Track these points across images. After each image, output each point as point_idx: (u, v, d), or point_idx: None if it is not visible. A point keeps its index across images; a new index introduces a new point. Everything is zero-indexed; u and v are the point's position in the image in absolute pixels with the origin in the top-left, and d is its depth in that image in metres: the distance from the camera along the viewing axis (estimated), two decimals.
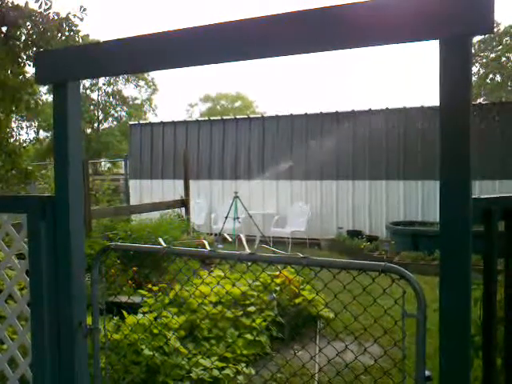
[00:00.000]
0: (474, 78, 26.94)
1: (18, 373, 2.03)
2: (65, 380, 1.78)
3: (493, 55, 26.85)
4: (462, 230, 1.26)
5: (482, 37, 24.45)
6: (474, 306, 1.55)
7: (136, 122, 14.57)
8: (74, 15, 6.62)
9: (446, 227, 1.28)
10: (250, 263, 2.52)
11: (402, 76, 58.69)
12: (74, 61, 1.74)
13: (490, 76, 27.43)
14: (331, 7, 1.34)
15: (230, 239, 9.53)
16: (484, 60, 26.98)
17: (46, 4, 6.41)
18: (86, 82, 31.94)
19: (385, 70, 57.78)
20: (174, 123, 13.33)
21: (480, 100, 22.12)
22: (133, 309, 4.27)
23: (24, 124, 25.06)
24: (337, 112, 11.53)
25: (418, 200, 10.75)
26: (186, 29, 1.52)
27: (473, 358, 1.62)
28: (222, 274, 4.72)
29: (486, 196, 1.49)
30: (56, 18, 6.50)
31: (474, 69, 27.20)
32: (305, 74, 60.27)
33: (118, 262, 5.77)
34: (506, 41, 25.78)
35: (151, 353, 3.42)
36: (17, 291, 2.04)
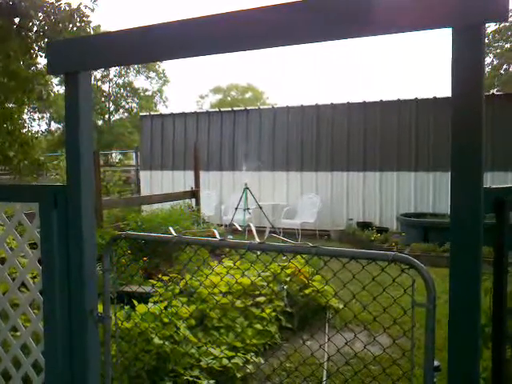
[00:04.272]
0: (487, 69, 26.55)
1: (31, 359, 2.07)
2: (76, 366, 1.81)
3: (507, 45, 26.40)
4: (473, 220, 1.24)
5: (497, 27, 24.05)
6: (485, 297, 1.53)
7: (147, 114, 14.58)
8: (86, 6, 6.65)
9: (457, 217, 1.27)
10: (259, 253, 2.53)
11: (414, 66, 58.04)
12: (85, 51, 1.74)
13: (505, 66, 27.00)
14: None
15: (240, 229, 9.57)
16: (498, 50, 26.55)
17: None
18: (98, 74, 32.05)
19: (396, 60, 57.19)
20: (184, 114, 13.33)
21: (494, 91, 21.80)
22: (143, 298, 4.31)
23: (36, 115, 25.20)
24: (348, 103, 11.45)
25: (429, 191, 10.66)
26: (200, 17, 1.51)
27: (482, 348, 1.61)
28: (232, 264, 4.74)
29: (497, 186, 1.48)
30: (67, 8, 6.53)
31: (488, 59, 26.79)
32: (315, 64, 59.88)
33: (129, 251, 5.82)
34: None
35: (161, 341, 3.45)
36: (29, 279, 2.07)
